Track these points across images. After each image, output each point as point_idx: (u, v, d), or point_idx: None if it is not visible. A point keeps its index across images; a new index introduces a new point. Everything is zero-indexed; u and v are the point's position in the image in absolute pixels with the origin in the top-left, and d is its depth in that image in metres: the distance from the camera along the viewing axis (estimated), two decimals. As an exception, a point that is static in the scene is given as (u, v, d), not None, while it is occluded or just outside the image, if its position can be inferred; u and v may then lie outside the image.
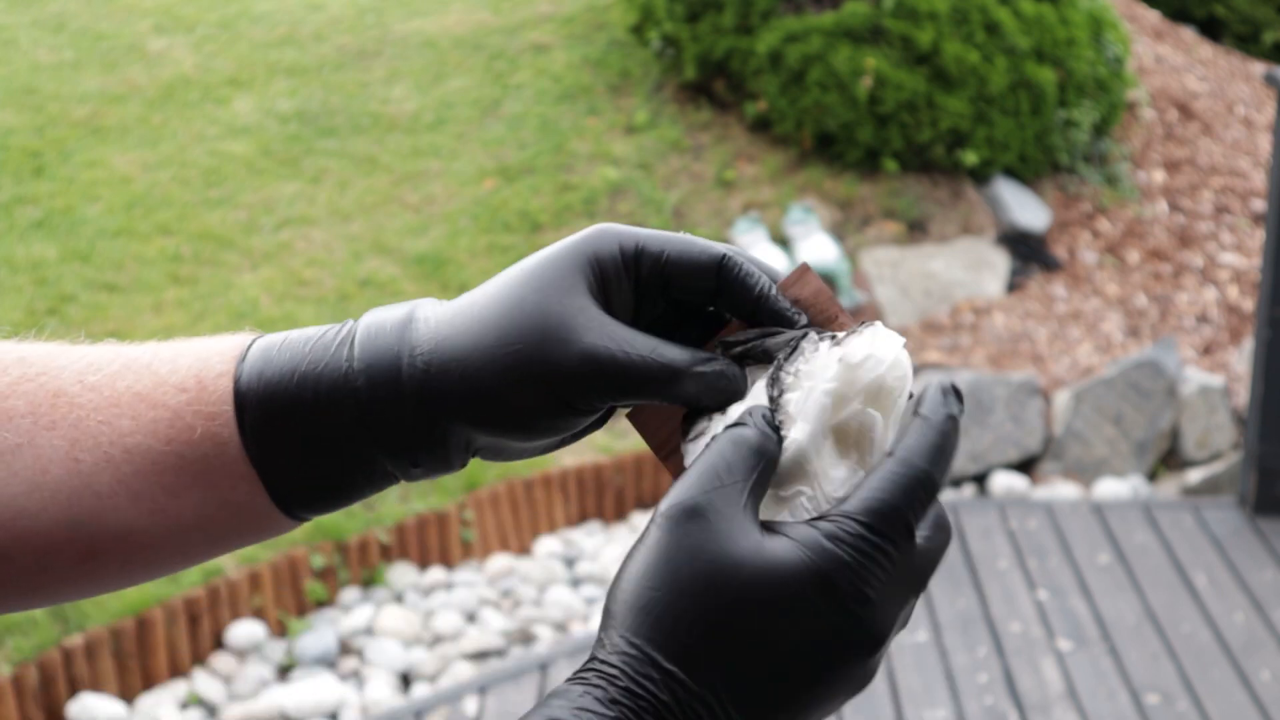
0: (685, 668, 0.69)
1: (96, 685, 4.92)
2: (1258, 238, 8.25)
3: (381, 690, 5.09)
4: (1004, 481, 6.68)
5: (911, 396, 0.77)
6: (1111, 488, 6.60)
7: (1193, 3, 11.28)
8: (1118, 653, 5.02)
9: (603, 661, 0.70)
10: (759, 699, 0.70)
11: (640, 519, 6.09)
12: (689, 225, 7.91)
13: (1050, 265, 8.08)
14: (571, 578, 5.77)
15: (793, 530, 0.71)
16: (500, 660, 5.29)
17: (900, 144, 8.12)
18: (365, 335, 0.80)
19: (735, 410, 0.78)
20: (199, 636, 5.16)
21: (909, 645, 5.04)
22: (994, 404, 6.82)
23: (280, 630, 5.32)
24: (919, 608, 5.26)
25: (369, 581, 5.59)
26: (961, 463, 6.75)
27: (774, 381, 0.77)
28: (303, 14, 9.54)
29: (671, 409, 0.81)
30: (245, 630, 5.21)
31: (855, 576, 0.70)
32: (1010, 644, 5.06)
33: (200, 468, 0.79)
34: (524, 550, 5.93)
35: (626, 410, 0.82)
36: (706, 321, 0.83)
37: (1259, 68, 10.17)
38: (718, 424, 0.78)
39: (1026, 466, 6.85)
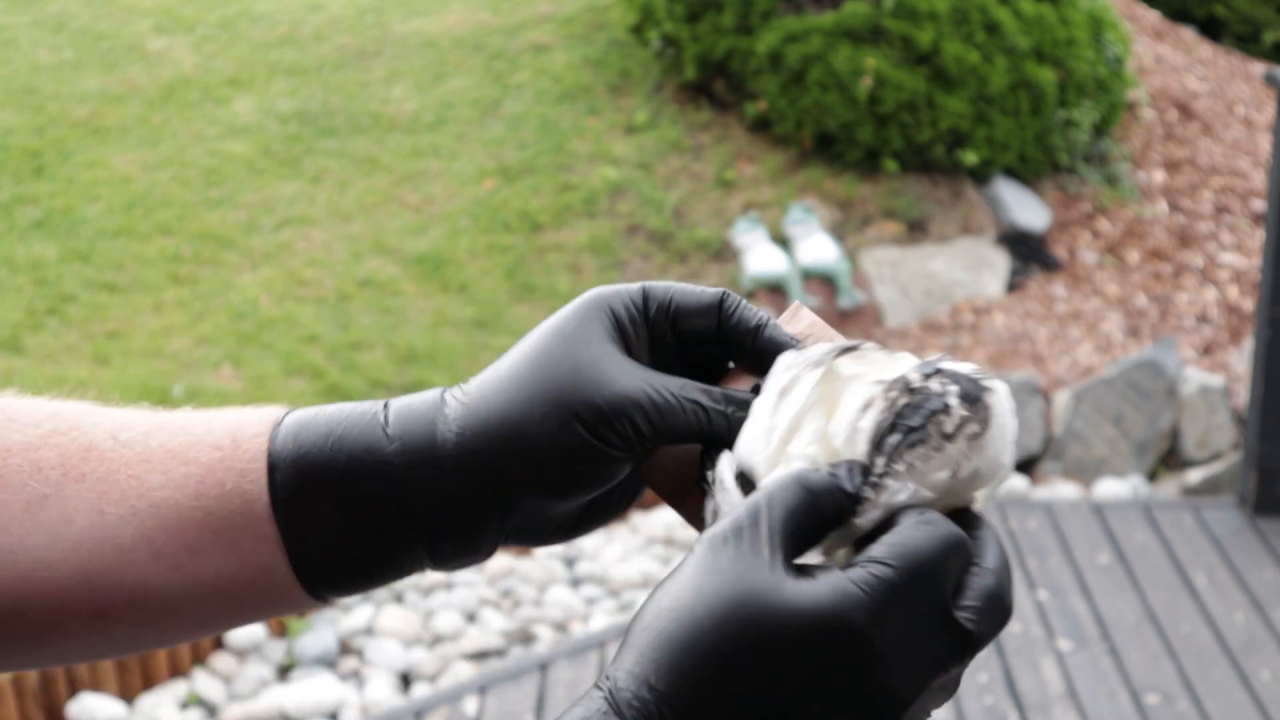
0: (679, 690, 0.68)
1: (96, 685, 4.92)
2: (1258, 238, 8.26)
3: (381, 690, 5.09)
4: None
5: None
6: (1111, 488, 6.60)
7: (1193, 3, 11.28)
8: (1118, 653, 5.02)
9: (607, 678, 0.70)
10: None
11: (640, 519, 6.09)
12: (689, 225, 7.91)
13: (1050, 265, 8.08)
14: (571, 578, 5.77)
15: (822, 573, 0.70)
16: (500, 660, 5.29)
17: (900, 144, 8.12)
18: (399, 407, 0.81)
19: (743, 443, 0.76)
20: (199, 636, 5.16)
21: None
22: (994, 404, 6.82)
23: (280, 630, 5.33)
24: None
25: (369, 581, 5.58)
26: (961, 463, 6.75)
27: (878, 447, 0.73)
28: (303, 14, 9.54)
29: (678, 451, 0.81)
30: (245, 630, 5.21)
31: (873, 621, 0.68)
32: (1010, 644, 5.06)
33: (225, 525, 0.79)
34: (524, 550, 5.93)
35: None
36: (711, 368, 0.83)
37: (1259, 68, 10.17)
38: (725, 462, 0.77)
39: (1026, 466, 6.85)
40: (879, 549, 0.70)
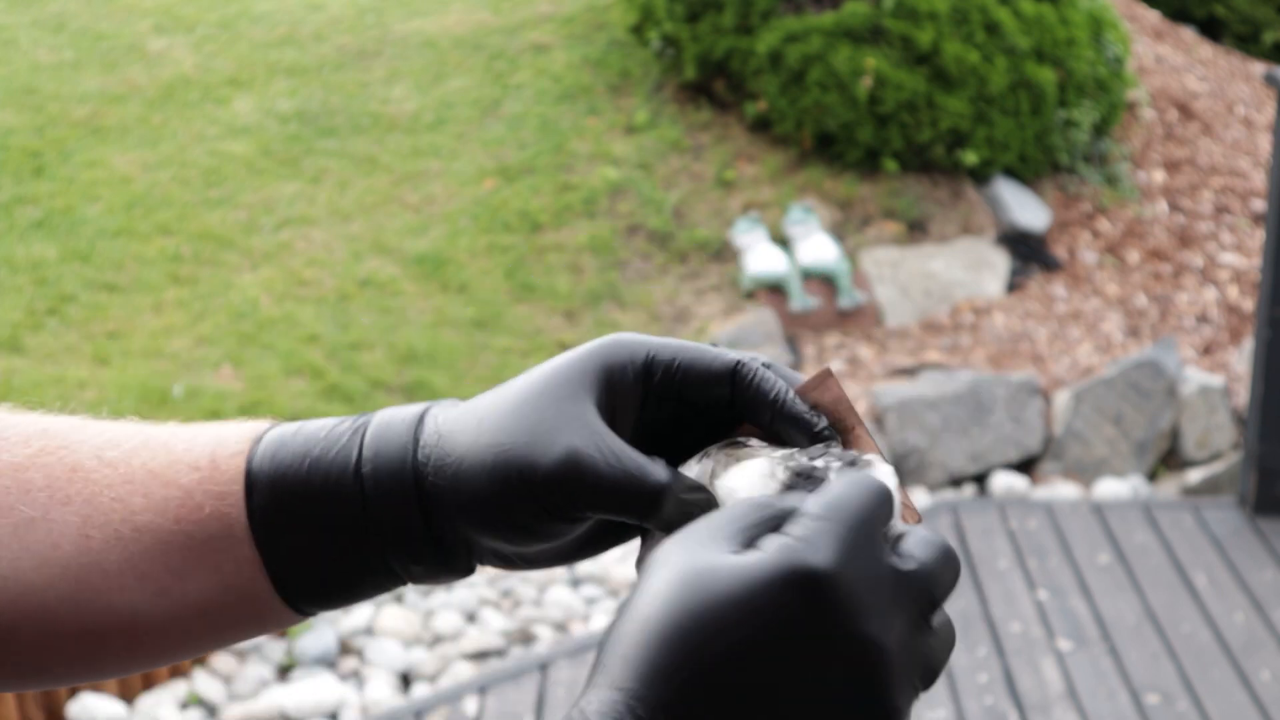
0: (646, 682, 0.66)
1: (96, 685, 4.92)
2: (1258, 238, 8.25)
3: (381, 690, 5.09)
4: (1004, 481, 6.68)
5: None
6: (1111, 488, 6.60)
7: (1193, 3, 11.28)
8: (1118, 653, 5.02)
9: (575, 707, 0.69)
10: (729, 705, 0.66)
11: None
12: (689, 225, 7.91)
13: (1050, 265, 8.08)
14: (571, 578, 5.77)
15: (764, 541, 0.69)
16: (500, 660, 5.29)
17: (900, 144, 8.12)
18: (377, 428, 0.80)
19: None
20: (199, 636, 5.16)
21: (909, 645, 5.04)
22: (994, 404, 6.82)
23: (280, 630, 5.32)
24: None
25: (369, 581, 5.58)
26: (961, 463, 6.75)
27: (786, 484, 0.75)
28: (303, 14, 9.54)
29: None
30: (245, 630, 5.20)
31: (825, 563, 0.66)
32: (1010, 644, 5.06)
33: (206, 549, 0.79)
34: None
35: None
36: (718, 422, 0.81)
37: (1259, 68, 10.17)
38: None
39: (1026, 466, 6.85)
40: (810, 504, 0.69)
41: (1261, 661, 4.96)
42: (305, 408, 6.41)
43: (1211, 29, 11.26)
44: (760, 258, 7.60)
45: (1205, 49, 10.28)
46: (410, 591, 5.57)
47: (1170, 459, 6.92)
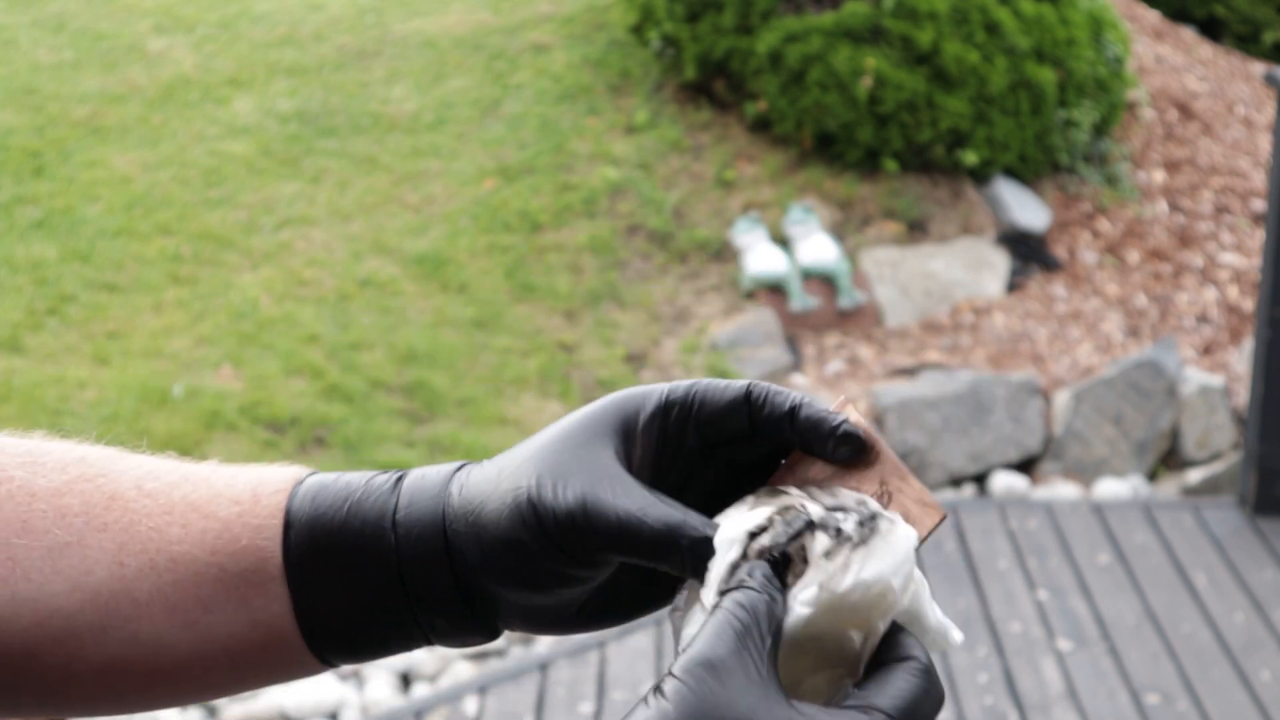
0: None
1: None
2: (1258, 238, 8.26)
3: (381, 690, 5.09)
4: (1004, 481, 6.68)
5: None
6: (1111, 488, 6.60)
7: (1193, 3, 11.28)
8: (1118, 653, 5.02)
9: None
10: None
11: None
12: (689, 225, 7.91)
13: (1050, 265, 8.08)
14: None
15: (824, 711, 0.70)
16: (500, 660, 5.29)
17: (900, 144, 8.12)
18: (413, 480, 0.81)
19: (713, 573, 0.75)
20: (199, 636, 5.16)
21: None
22: (994, 404, 6.82)
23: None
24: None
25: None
26: (961, 462, 6.75)
27: (778, 559, 0.74)
28: (303, 14, 9.54)
29: None
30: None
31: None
32: (1010, 644, 5.06)
33: (238, 582, 0.79)
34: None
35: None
36: (749, 465, 0.81)
37: (1259, 68, 10.17)
38: (703, 592, 0.75)
39: (1026, 466, 6.85)
40: (882, 699, 0.71)
41: (1261, 661, 4.96)
42: (305, 408, 6.41)
43: (1211, 29, 11.26)
44: (760, 258, 7.60)
45: (1205, 49, 10.28)
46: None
47: (1170, 459, 6.92)
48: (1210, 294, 7.95)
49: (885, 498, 0.78)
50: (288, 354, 6.71)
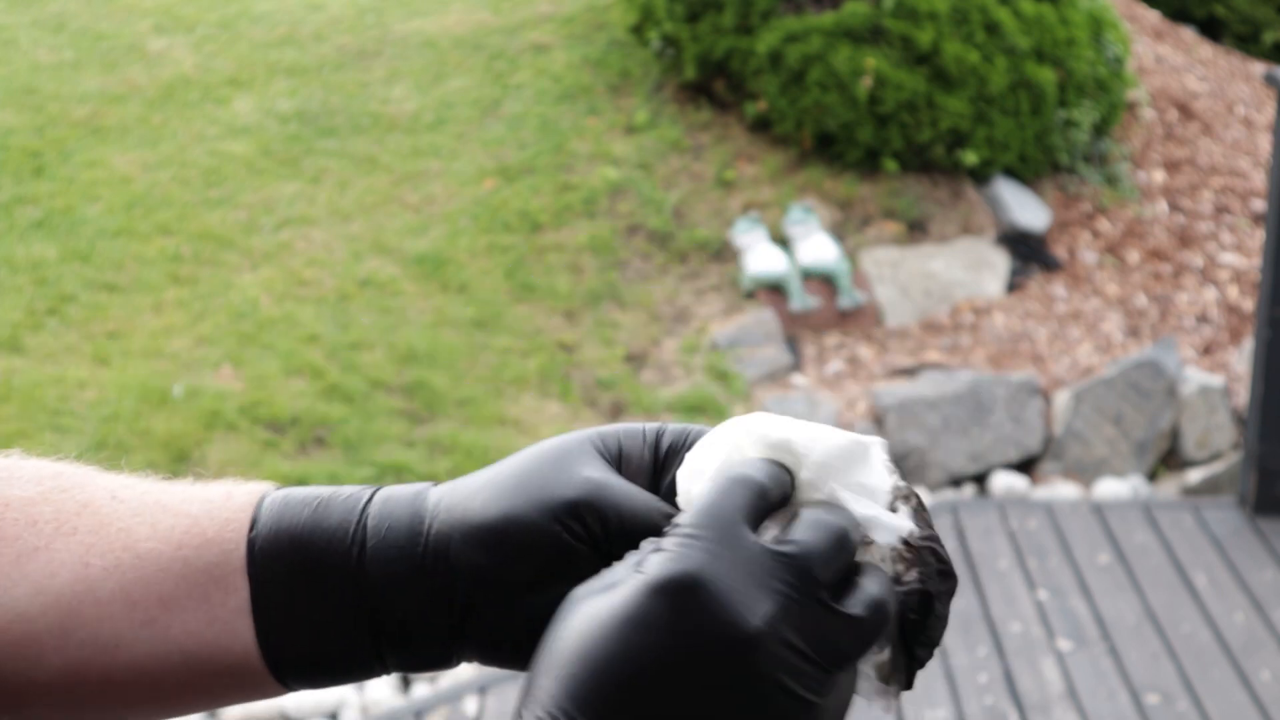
0: (559, 702, 0.71)
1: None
2: (1258, 238, 8.25)
3: (381, 690, 5.09)
4: (1004, 481, 6.68)
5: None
6: (1111, 488, 6.60)
7: (1193, 3, 11.28)
8: (1118, 653, 5.02)
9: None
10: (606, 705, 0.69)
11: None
12: (689, 225, 7.91)
13: (1050, 265, 8.08)
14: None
15: (646, 561, 0.71)
16: (500, 660, 5.29)
17: (900, 144, 8.12)
18: (389, 489, 0.82)
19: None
20: (199, 636, 5.16)
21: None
22: (994, 404, 6.82)
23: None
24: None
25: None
26: (961, 462, 6.75)
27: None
28: (303, 14, 9.54)
29: None
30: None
31: (686, 563, 0.69)
32: (1010, 644, 5.06)
33: (200, 575, 0.79)
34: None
35: None
36: None
37: (1259, 68, 10.17)
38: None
39: (1026, 466, 6.85)
40: (682, 515, 0.72)
41: (1261, 661, 4.96)
42: (305, 408, 6.41)
43: (1211, 29, 11.26)
44: (760, 258, 7.60)
45: (1205, 49, 10.28)
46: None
47: (1170, 459, 6.92)
48: (1210, 294, 7.95)
49: None
50: (288, 354, 6.71)
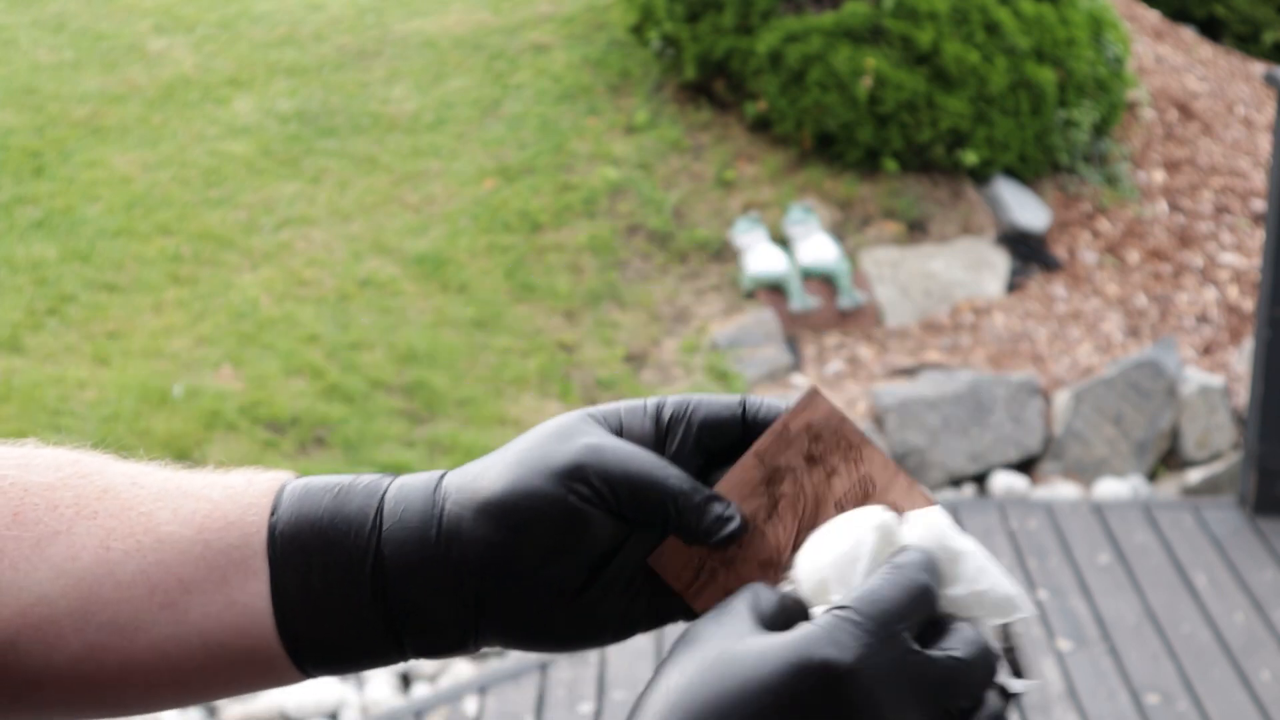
0: None
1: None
2: (1258, 238, 8.26)
3: (381, 690, 5.09)
4: (1004, 481, 6.68)
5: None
6: (1111, 488, 6.60)
7: (1193, 3, 11.28)
8: (1118, 653, 5.02)
9: None
10: None
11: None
12: (689, 225, 7.91)
13: (1050, 265, 8.08)
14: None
15: (793, 627, 0.70)
16: (500, 660, 5.29)
17: (900, 144, 8.12)
18: (404, 477, 0.82)
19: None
20: (199, 636, 5.15)
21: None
22: (994, 404, 6.82)
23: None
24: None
25: (369, 581, 5.58)
26: (961, 463, 6.75)
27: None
28: (303, 14, 9.54)
29: (691, 550, 0.80)
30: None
31: (842, 654, 0.68)
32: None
33: (220, 558, 0.79)
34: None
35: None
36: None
37: (1259, 68, 10.17)
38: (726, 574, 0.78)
39: (1026, 466, 6.85)
40: (842, 598, 0.71)
41: (1261, 661, 4.96)
42: (305, 408, 6.41)
43: (1211, 29, 11.26)
44: (760, 258, 7.60)
45: (1205, 49, 10.28)
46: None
47: (1170, 459, 6.92)
48: (1210, 294, 7.95)
49: (870, 487, 0.79)
50: (288, 354, 6.71)
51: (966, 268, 7.92)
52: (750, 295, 7.56)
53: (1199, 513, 5.91)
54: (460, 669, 5.24)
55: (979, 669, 0.71)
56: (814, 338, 7.49)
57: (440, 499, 0.79)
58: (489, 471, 0.79)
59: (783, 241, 7.78)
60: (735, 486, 0.79)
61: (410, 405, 6.59)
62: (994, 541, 5.70)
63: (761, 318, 7.40)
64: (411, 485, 0.81)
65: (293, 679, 0.82)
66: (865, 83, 8.03)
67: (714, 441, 0.80)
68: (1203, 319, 7.79)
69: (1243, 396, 6.95)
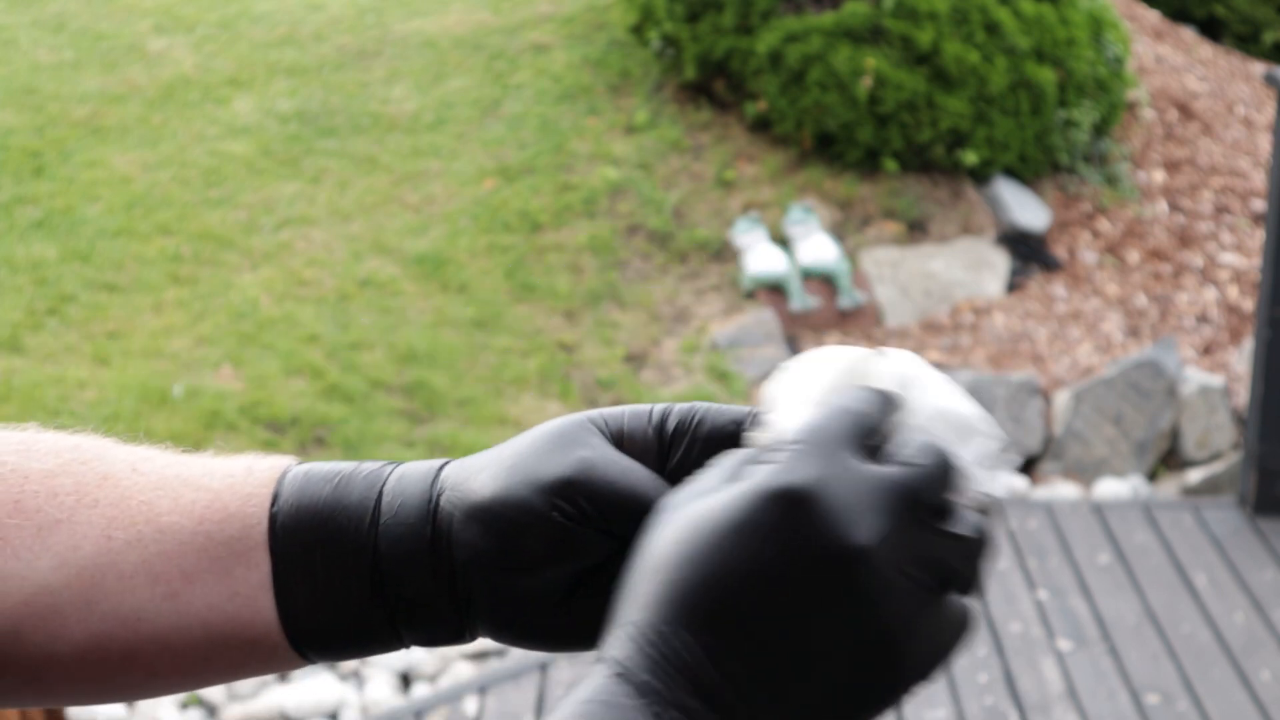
0: (666, 618, 0.68)
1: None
2: (1258, 238, 8.26)
3: (381, 690, 5.09)
4: (1004, 481, 6.68)
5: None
6: (1111, 488, 6.60)
7: (1193, 3, 11.28)
8: (1118, 653, 5.02)
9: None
10: (724, 627, 0.68)
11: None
12: (689, 225, 7.91)
13: (1050, 265, 8.08)
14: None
15: (748, 471, 0.71)
16: (500, 660, 5.29)
17: (900, 144, 8.12)
18: (406, 466, 0.83)
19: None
20: (199, 636, 5.15)
21: (909, 645, 5.04)
22: (994, 404, 6.82)
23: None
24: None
25: (369, 581, 5.58)
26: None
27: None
28: (303, 14, 9.54)
29: None
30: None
31: (787, 478, 0.69)
32: (1010, 644, 5.06)
33: (222, 550, 0.80)
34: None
35: None
36: None
37: (1259, 68, 10.17)
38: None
39: (1026, 466, 6.85)
40: (789, 434, 0.72)
41: (1261, 661, 4.96)
42: (305, 408, 6.41)
43: (1211, 29, 11.26)
44: (760, 258, 7.60)
45: (1205, 49, 10.28)
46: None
47: (1170, 459, 6.92)
48: (1210, 294, 7.95)
49: None
50: (288, 354, 6.71)
51: (966, 268, 7.92)
52: (750, 295, 7.56)
53: (1199, 513, 5.91)
54: (460, 669, 5.24)
55: (934, 475, 0.71)
56: (814, 338, 7.49)
57: (435, 494, 0.80)
58: (482, 474, 0.79)
59: (783, 241, 7.78)
60: None
61: (410, 405, 6.59)
62: (994, 541, 5.70)
63: (761, 318, 7.40)
64: (410, 477, 0.81)
65: (294, 664, 0.82)
66: (865, 83, 8.03)
67: (718, 454, 0.79)
68: (1203, 319, 7.79)
69: (1243, 396, 6.95)
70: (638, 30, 8.85)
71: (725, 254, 7.78)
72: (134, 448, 0.84)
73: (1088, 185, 8.55)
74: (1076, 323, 7.68)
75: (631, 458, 0.79)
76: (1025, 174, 8.40)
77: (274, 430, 6.29)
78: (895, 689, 0.70)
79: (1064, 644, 5.07)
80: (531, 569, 0.78)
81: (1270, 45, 11.30)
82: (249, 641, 0.80)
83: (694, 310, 7.47)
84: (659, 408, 0.81)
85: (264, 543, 0.80)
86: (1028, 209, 8.22)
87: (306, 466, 0.82)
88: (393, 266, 7.41)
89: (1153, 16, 10.48)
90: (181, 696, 5.02)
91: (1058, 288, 7.93)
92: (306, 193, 7.86)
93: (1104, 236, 8.30)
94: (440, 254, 7.51)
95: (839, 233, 7.93)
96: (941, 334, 7.55)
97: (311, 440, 6.29)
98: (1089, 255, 8.18)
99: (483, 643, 5.34)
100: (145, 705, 4.96)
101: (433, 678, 5.22)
